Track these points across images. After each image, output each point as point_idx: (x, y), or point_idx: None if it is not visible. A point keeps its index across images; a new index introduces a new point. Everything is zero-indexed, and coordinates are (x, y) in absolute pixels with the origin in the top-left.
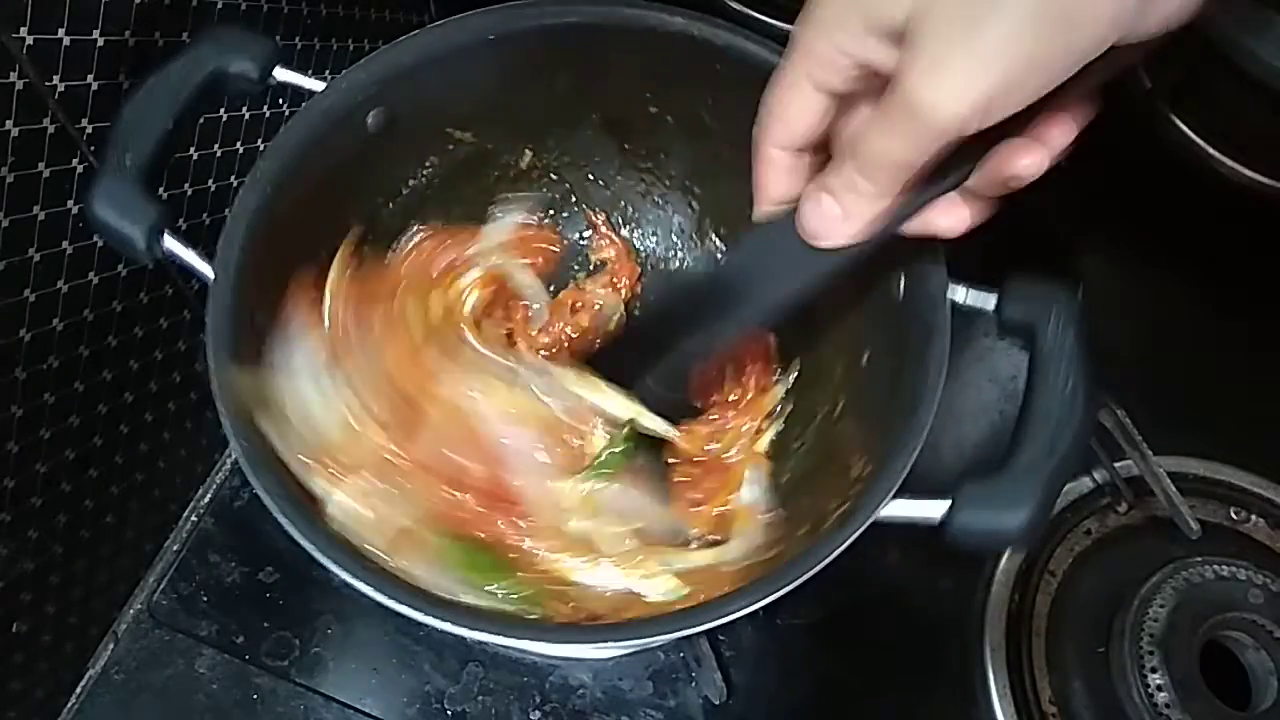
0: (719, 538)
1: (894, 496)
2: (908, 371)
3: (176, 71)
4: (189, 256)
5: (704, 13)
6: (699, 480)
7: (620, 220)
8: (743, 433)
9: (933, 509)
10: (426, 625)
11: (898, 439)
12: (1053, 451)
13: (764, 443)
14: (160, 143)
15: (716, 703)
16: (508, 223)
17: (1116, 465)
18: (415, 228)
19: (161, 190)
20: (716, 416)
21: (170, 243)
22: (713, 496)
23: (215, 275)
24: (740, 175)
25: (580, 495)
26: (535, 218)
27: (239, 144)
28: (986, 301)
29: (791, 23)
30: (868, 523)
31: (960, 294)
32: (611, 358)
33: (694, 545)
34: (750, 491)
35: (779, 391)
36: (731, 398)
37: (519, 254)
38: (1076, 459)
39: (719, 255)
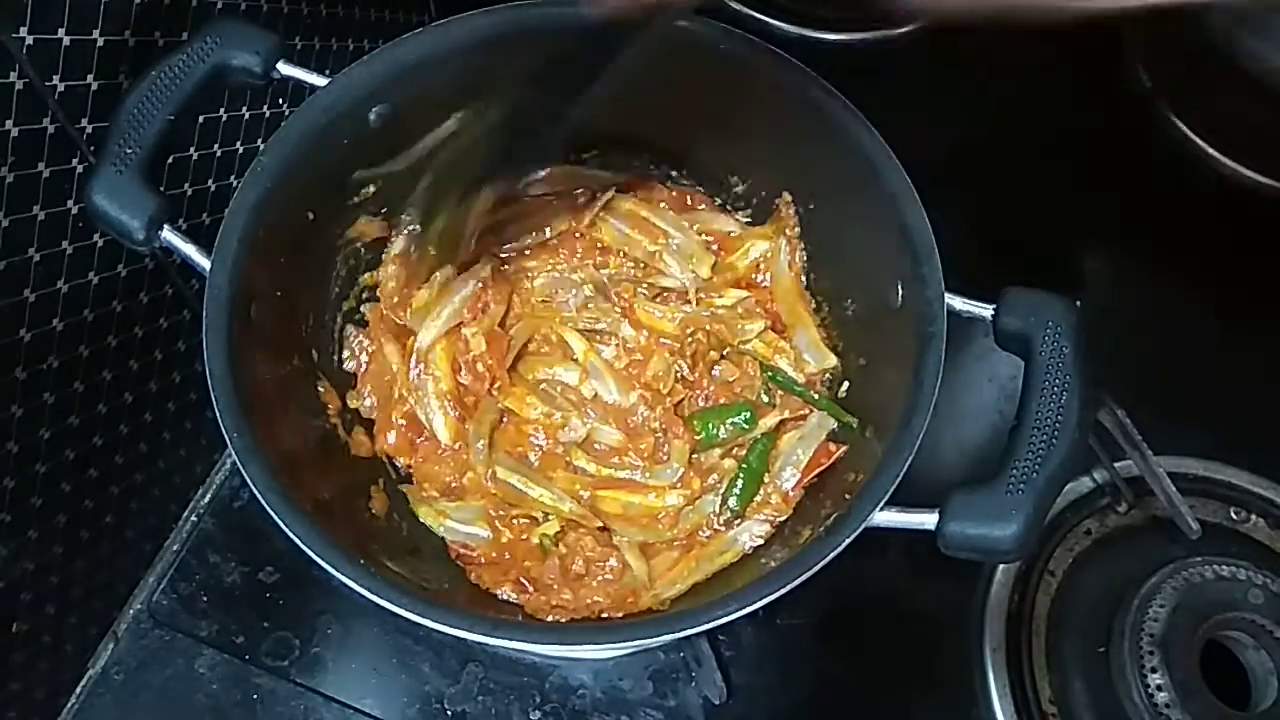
0: None
1: (887, 504)
2: (903, 381)
3: (179, 64)
4: (188, 249)
5: (703, 14)
6: None
7: None
8: None
9: (923, 519)
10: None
11: (890, 449)
12: (1045, 465)
13: None
14: (161, 134)
15: (716, 703)
16: None
17: (1116, 465)
18: None
19: (161, 188)
20: None
21: (169, 234)
22: None
23: (212, 266)
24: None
25: None
26: None
27: (239, 144)
28: (984, 312)
29: (791, 23)
30: (859, 530)
31: (958, 304)
32: None
33: None
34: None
35: None
36: None
37: None
38: (1069, 472)
39: None
